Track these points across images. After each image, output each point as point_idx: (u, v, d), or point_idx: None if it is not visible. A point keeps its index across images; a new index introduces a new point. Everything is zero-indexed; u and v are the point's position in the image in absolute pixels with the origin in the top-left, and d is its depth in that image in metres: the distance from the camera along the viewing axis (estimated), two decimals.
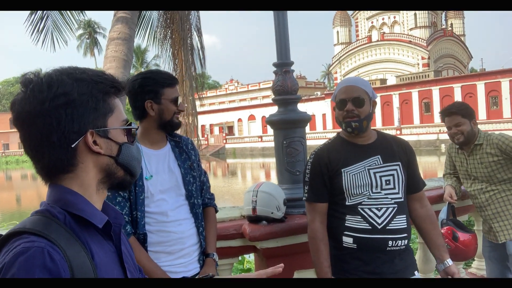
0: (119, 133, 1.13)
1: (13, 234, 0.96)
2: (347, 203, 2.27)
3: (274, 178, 32.88)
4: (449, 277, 2.35)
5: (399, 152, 2.34)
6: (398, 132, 45.28)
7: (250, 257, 5.75)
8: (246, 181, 32.73)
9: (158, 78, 2.21)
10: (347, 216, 2.27)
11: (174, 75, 7.48)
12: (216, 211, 2.50)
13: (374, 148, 2.32)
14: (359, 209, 2.24)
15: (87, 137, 1.07)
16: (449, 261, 2.37)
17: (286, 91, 3.15)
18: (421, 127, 44.80)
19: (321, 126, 51.57)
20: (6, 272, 0.89)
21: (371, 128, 2.37)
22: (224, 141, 61.57)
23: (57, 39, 8.79)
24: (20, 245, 0.92)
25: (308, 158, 2.47)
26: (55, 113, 1.02)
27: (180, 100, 2.26)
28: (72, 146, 1.05)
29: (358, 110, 2.26)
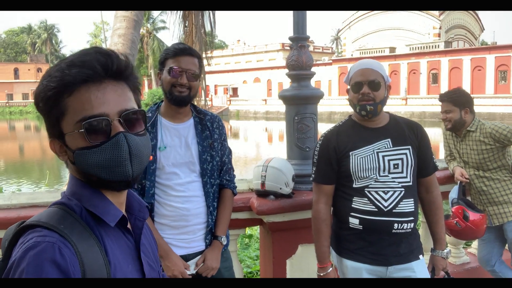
0: (73, 137, 1.02)
1: (29, 226, 0.97)
2: (354, 186, 2.30)
3: (276, 142, 32.95)
4: (432, 266, 2.45)
5: (410, 136, 2.34)
6: (404, 102, 44.99)
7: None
8: (248, 144, 32.78)
9: (168, 50, 2.23)
10: (354, 198, 2.30)
11: (184, 37, 7.42)
12: (234, 194, 2.48)
13: (385, 131, 2.33)
14: (366, 191, 2.27)
15: (51, 145, 1.08)
16: (439, 252, 2.44)
17: (301, 66, 3.11)
18: (427, 98, 44.42)
19: (326, 93, 51.12)
20: (17, 267, 0.90)
21: (384, 111, 2.37)
22: (228, 102, 61.34)
23: None
24: (33, 239, 0.93)
25: (318, 139, 2.49)
26: None
27: (177, 69, 2.17)
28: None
29: (374, 93, 2.25)
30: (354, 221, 2.30)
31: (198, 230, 2.27)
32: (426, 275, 2.36)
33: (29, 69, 78.71)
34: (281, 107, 53.86)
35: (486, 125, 3.32)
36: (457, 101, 3.33)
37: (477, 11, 62.43)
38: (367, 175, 2.26)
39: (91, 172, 1.02)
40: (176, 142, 2.24)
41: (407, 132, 2.35)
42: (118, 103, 1.04)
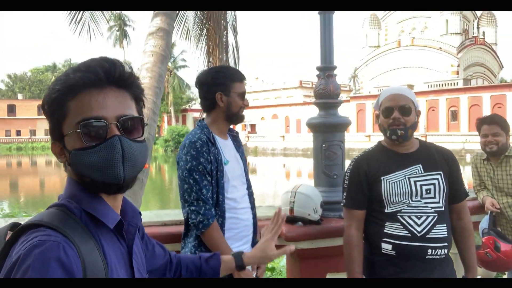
0: (71, 138, 1.06)
1: (31, 225, 0.98)
2: (386, 211, 2.29)
3: (293, 178, 32.80)
4: None
5: (440, 162, 2.35)
6: (424, 139, 44.61)
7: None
8: (266, 180, 32.71)
9: (228, 73, 2.42)
10: (386, 223, 2.29)
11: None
12: None
13: (416, 157, 2.34)
14: (399, 216, 2.26)
15: (52, 148, 1.11)
16: None
17: (328, 94, 3.18)
18: (447, 136, 44.09)
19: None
20: (22, 263, 0.90)
21: (414, 137, 2.40)
22: (246, 138, 61.71)
23: (93, 30, 8.98)
24: (37, 237, 0.94)
25: (348, 164, 2.51)
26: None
27: (245, 95, 2.41)
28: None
29: (405, 118, 2.28)
30: (386, 247, 2.28)
31: (251, 239, 2.46)
32: None
33: None
34: (299, 143, 54.32)
35: None
36: (505, 126, 3.38)
37: (495, 49, 62.51)
38: (399, 200, 2.26)
39: (85, 173, 1.05)
40: (232, 156, 2.42)
41: (437, 158, 2.36)
42: (117, 109, 1.07)
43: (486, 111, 42.81)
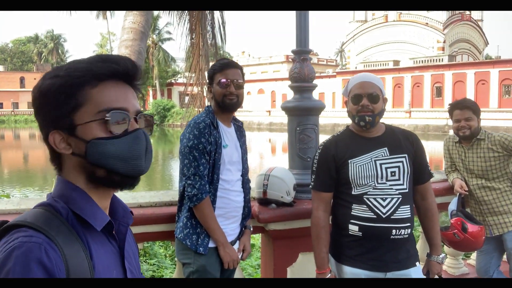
0: (89, 128, 1.02)
1: (13, 226, 0.95)
2: (353, 193, 2.37)
3: (279, 153, 32.97)
4: (427, 270, 2.55)
5: (406, 145, 2.43)
6: (408, 115, 45.06)
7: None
8: (251, 155, 32.84)
9: (213, 66, 2.61)
10: (353, 205, 2.37)
11: (191, 49, 7.53)
12: None
13: (382, 141, 2.41)
14: (365, 198, 2.34)
15: (51, 138, 1.05)
16: (435, 257, 2.55)
17: (303, 78, 3.21)
18: (431, 112, 44.48)
19: (330, 105, 51.22)
20: (3, 267, 0.87)
21: (380, 122, 2.46)
22: None
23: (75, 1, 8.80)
24: (18, 238, 0.91)
25: (317, 148, 2.57)
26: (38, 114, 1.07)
27: (226, 81, 2.53)
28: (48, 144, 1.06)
29: (373, 105, 2.34)
30: (353, 228, 2.36)
31: (241, 220, 2.66)
32: None
33: (35, 78, 78.76)
34: (285, 118, 53.48)
35: (494, 134, 3.43)
36: (476, 109, 3.43)
37: (481, 25, 62.64)
38: (366, 182, 2.34)
39: (104, 163, 1.02)
40: (232, 143, 2.59)
41: (402, 141, 2.43)
42: (135, 104, 1.09)
43: (470, 88, 43.25)
